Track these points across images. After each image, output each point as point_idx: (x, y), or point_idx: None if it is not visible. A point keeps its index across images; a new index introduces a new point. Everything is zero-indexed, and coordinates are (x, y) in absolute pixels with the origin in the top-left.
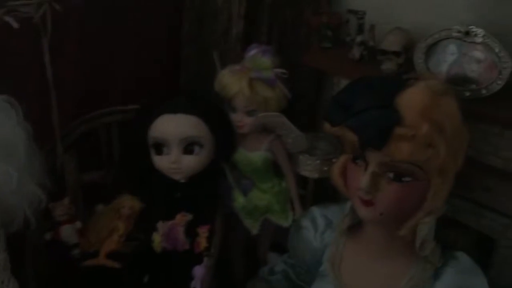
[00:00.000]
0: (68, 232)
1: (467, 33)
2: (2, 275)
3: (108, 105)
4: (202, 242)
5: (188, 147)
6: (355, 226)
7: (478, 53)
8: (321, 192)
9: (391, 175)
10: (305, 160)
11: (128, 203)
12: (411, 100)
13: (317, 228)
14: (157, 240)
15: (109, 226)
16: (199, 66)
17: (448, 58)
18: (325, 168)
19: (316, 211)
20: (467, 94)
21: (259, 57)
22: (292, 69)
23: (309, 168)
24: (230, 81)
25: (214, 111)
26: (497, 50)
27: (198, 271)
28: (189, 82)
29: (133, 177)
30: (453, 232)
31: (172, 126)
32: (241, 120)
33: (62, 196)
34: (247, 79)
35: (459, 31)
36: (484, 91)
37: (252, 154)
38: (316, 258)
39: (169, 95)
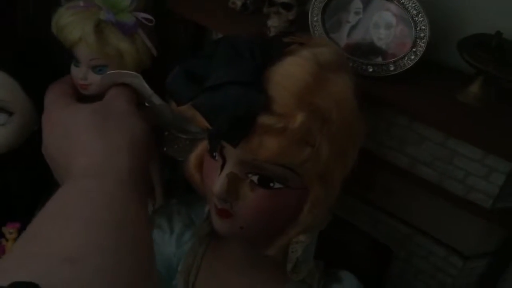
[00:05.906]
0: None
1: None
2: None
3: None
4: None
5: None
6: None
7: (389, 15)
8: None
9: (255, 178)
10: (171, 137)
11: None
12: (286, 75)
13: (173, 229)
14: None
15: None
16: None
17: (351, 18)
18: None
19: (175, 206)
20: (370, 70)
21: None
22: (163, 17)
23: (176, 148)
24: (70, 21)
25: (36, 63)
26: (414, 12)
27: None
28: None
29: None
30: (350, 235)
31: None
32: (84, 77)
33: None
34: (93, 22)
35: None
36: (392, 67)
37: None
38: (171, 266)
39: None
